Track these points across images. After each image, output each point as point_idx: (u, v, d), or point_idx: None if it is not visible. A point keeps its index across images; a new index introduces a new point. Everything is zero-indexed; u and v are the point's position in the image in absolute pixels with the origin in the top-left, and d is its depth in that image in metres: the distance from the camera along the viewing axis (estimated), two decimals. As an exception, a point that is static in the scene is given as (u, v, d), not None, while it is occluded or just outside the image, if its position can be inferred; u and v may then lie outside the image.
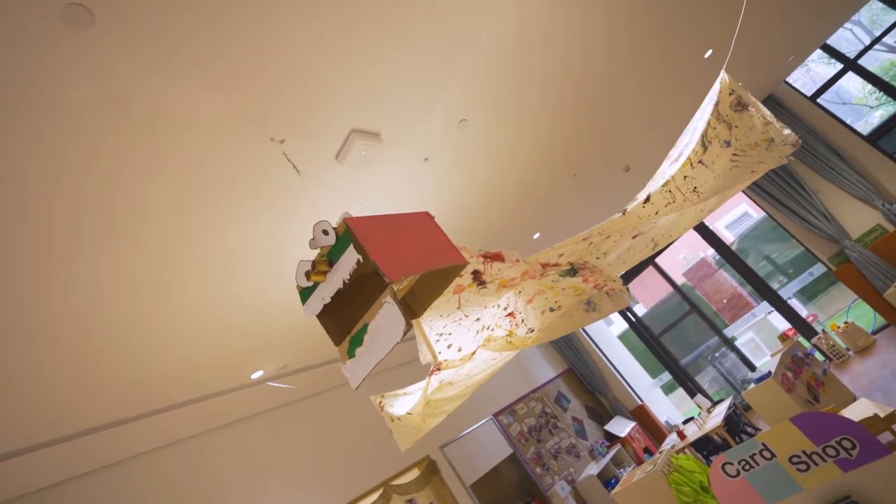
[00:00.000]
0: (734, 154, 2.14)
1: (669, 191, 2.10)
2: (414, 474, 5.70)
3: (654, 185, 2.15)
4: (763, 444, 2.20)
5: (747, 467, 2.24)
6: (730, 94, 2.15)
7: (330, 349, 4.77)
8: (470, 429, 6.81)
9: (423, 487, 5.60)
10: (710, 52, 4.54)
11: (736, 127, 2.13)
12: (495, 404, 7.47)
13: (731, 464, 2.28)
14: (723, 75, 2.17)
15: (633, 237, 2.55)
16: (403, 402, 3.38)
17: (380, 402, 3.51)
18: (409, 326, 1.71)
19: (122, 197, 2.06)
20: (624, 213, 2.15)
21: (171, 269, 2.56)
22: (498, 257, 2.25)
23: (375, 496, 5.16)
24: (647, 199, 2.10)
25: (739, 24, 3.33)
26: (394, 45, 2.34)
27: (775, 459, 2.18)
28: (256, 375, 4.23)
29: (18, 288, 2.11)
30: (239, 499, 4.36)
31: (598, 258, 2.67)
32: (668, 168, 2.21)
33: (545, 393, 8.42)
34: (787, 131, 2.32)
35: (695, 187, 2.12)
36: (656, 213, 2.13)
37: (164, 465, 4.16)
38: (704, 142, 2.05)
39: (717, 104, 2.10)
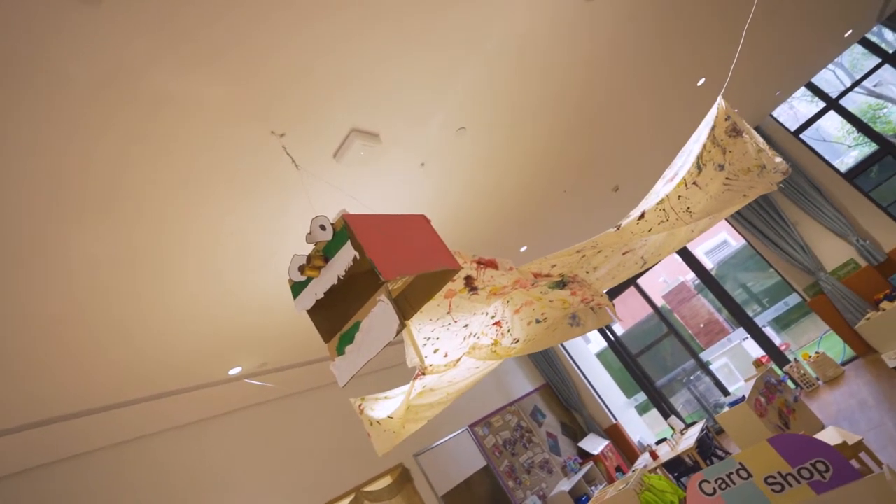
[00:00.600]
0: (727, 178, 2.20)
1: (664, 209, 2.14)
2: (386, 481, 5.64)
3: (648, 203, 2.20)
4: (740, 463, 2.24)
5: (723, 486, 2.28)
6: (725, 120, 2.22)
7: (308, 351, 4.73)
8: (445, 438, 6.77)
9: (395, 495, 5.54)
10: (702, 80, 4.68)
11: (730, 152, 2.20)
12: (471, 415, 7.45)
13: (708, 482, 2.31)
14: (720, 101, 2.25)
15: (624, 253, 2.59)
16: (384, 406, 3.35)
17: (359, 405, 3.47)
18: (402, 326, 1.71)
19: (125, 179, 2.04)
20: (618, 229, 2.19)
21: (166, 253, 2.53)
22: (492, 264, 2.26)
23: (346, 501, 5.08)
24: (642, 216, 2.15)
25: (737, 55, 3.44)
26: (401, 49, 2.36)
27: (751, 479, 2.22)
28: (234, 372, 4.16)
29: (13, 264, 2.07)
30: (205, 496, 4.25)
31: (587, 272, 2.70)
32: (663, 187, 2.26)
33: (521, 407, 8.43)
34: (778, 159, 2.40)
35: (688, 207, 2.17)
36: (649, 231, 2.17)
37: (130, 458, 4.04)
38: (699, 164, 2.11)
39: (713, 128, 2.17)
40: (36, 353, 2.59)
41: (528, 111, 3.52)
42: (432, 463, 6.34)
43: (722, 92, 2.44)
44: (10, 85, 1.53)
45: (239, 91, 2.04)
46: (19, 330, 2.39)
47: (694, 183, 2.13)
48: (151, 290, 2.70)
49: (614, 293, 9.34)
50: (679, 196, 2.14)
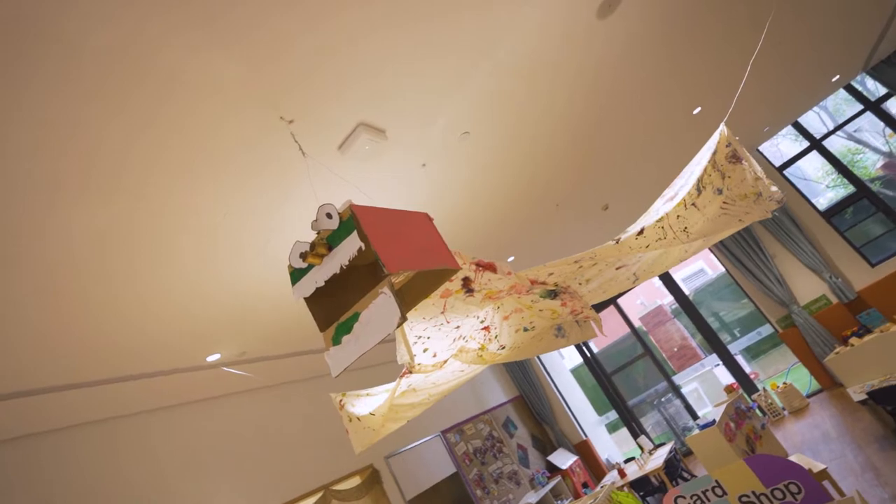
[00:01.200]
0: (724, 202, 2.27)
1: (662, 227, 2.20)
2: (355, 482, 5.58)
3: (648, 220, 2.26)
4: (716, 481, 2.29)
5: (698, 503, 2.33)
6: (727, 146, 2.30)
7: (288, 343, 4.68)
8: (417, 442, 6.74)
9: (363, 496, 5.48)
10: (699, 108, 4.81)
11: (729, 177, 2.27)
12: (445, 421, 7.44)
13: (684, 497, 2.36)
14: (722, 128, 2.33)
15: (617, 268, 2.64)
16: (365, 403, 3.33)
17: (340, 401, 3.44)
18: (403, 319, 1.71)
19: (133, 154, 2.03)
20: (617, 242, 2.24)
21: (165, 233, 2.52)
22: (490, 267, 2.28)
23: (314, 499, 5.02)
24: (641, 232, 2.20)
25: (741, 86, 3.57)
26: (416, 51, 2.40)
27: (725, 497, 2.27)
28: (212, 359, 4.09)
29: (16, 234, 2.06)
30: (172, 482, 4.15)
31: (580, 284, 2.74)
32: (662, 206, 2.33)
33: (494, 417, 8.44)
34: (774, 188, 2.50)
35: (685, 227, 2.23)
36: (647, 247, 2.23)
37: (103, 436, 3.94)
38: (700, 186, 2.18)
39: (714, 153, 2.24)
40: (32, 325, 2.58)
41: (530, 122, 3.58)
42: (402, 466, 6.30)
43: (725, 119, 2.52)
44: (26, 53, 1.51)
45: (254, 75, 2.04)
46: (17, 299, 2.37)
47: (693, 204, 2.19)
48: (148, 269, 2.69)
49: (595, 310, 9.45)
50: (678, 216, 2.20)
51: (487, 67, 2.79)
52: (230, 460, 4.66)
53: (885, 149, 13.60)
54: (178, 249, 2.67)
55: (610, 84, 3.64)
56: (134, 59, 1.71)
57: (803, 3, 4.14)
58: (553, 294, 2.91)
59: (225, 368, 4.31)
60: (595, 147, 4.52)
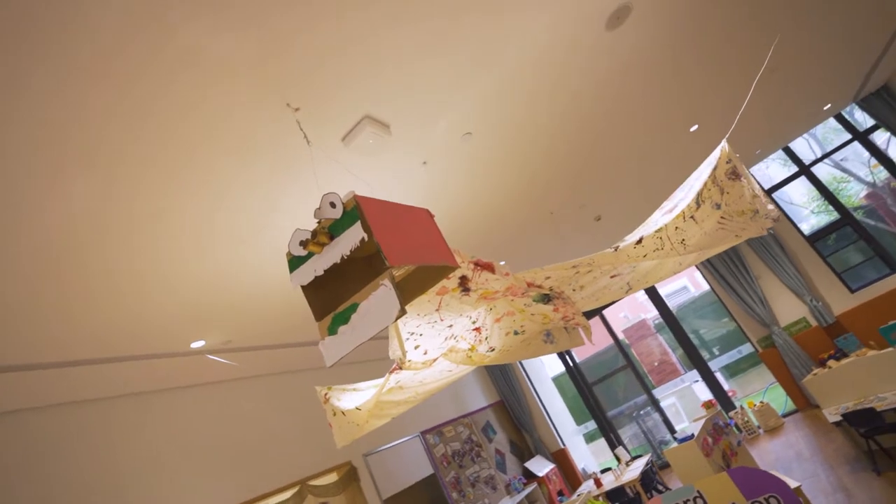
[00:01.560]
0: (722, 217, 2.31)
1: (660, 237, 2.23)
2: (332, 478, 5.54)
3: (647, 230, 2.29)
4: (698, 491, 2.32)
5: (679, 512, 2.35)
6: (727, 163, 2.34)
7: (276, 335, 4.64)
8: (396, 442, 6.72)
9: (339, 492, 5.44)
10: (696, 126, 4.89)
11: (727, 193, 2.32)
12: (425, 422, 7.42)
13: (665, 506, 2.38)
14: (724, 144, 2.37)
15: (612, 276, 2.67)
16: (351, 398, 3.31)
17: (325, 394, 3.41)
18: (402, 312, 1.70)
19: (139, 135, 2.01)
20: (616, 250, 2.27)
21: (165, 215, 2.50)
22: (489, 267, 2.29)
23: (290, 493, 4.96)
24: (640, 241, 2.23)
25: (744, 106, 3.64)
26: (424, 49, 2.41)
27: (706, 508, 2.31)
28: (197, 345, 4.03)
29: (17, 211, 2.04)
30: (150, 469, 4.08)
31: (574, 290, 2.76)
32: (661, 217, 2.36)
33: (474, 420, 8.45)
34: (770, 206, 2.55)
35: (683, 239, 2.26)
36: (644, 256, 2.25)
37: (75, 419, 3.86)
38: (699, 199, 2.22)
39: (714, 168, 2.29)
40: (28, 302, 2.57)
41: (531, 128, 3.60)
42: (380, 464, 6.27)
43: (728, 135, 2.57)
44: (36, 30, 1.49)
45: (264, 60, 2.03)
46: (14, 275, 2.35)
47: (692, 217, 2.23)
48: (147, 251, 2.66)
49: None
50: (676, 227, 2.24)
51: (493, 70, 2.81)
52: (208, 449, 4.60)
53: (868, 179, 13.95)
54: (177, 233, 2.64)
55: (613, 93, 3.68)
56: (146, 37, 1.69)
57: (803, 32, 4.24)
58: (547, 298, 2.92)
59: (209, 356, 4.25)
60: (592, 157, 4.56)
